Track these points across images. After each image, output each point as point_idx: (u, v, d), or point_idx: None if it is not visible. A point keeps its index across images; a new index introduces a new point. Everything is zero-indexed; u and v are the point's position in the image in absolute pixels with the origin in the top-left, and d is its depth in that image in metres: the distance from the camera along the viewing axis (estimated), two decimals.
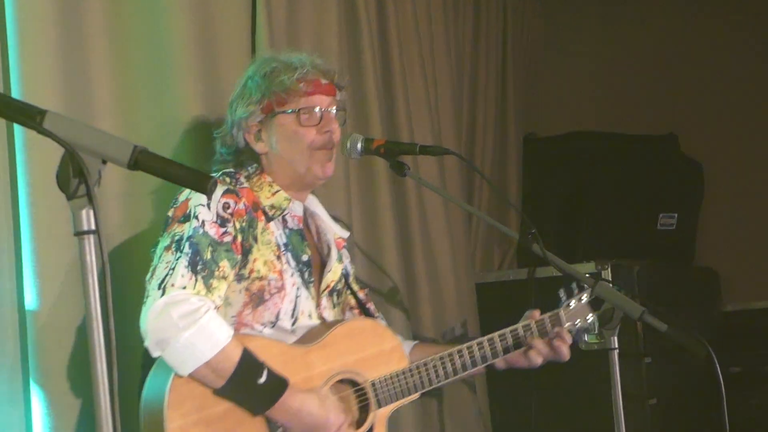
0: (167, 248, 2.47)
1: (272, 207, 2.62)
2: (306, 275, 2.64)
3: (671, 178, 4.67)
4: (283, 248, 2.61)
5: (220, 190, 2.53)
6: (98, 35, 2.83)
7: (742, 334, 4.59)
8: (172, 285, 2.38)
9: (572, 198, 4.52)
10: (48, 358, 2.62)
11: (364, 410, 2.63)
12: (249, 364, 2.38)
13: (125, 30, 2.91)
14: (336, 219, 2.90)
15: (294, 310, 2.58)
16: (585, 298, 2.84)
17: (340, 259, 2.78)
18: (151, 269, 2.47)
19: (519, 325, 2.80)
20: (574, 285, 2.86)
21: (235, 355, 2.36)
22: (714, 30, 4.91)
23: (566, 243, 4.28)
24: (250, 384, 2.37)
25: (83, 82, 2.79)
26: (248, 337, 2.50)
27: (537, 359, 2.79)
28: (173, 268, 2.41)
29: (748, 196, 4.85)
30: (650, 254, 4.36)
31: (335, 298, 2.75)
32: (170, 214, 2.54)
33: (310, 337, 2.59)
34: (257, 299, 2.54)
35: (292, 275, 2.60)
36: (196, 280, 2.41)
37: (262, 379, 2.38)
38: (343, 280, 2.80)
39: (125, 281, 2.64)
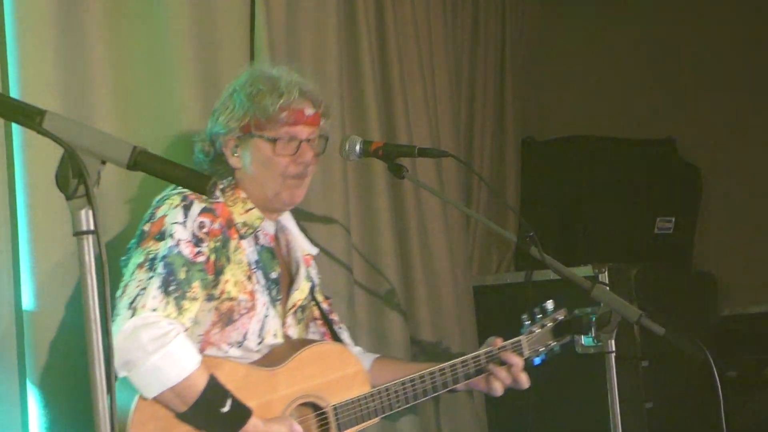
0: (140, 266, 2.44)
1: (245, 224, 2.61)
2: (274, 293, 2.64)
3: (669, 182, 4.68)
4: (254, 266, 2.60)
5: (198, 207, 2.51)
6: (98, 35, 2.83)
7: (740, 339, 4.59)
8: (143, 306, 2.36)
9: (570, 201, 4.53)
10: (45, 358, 2.62)
11: None
12: (214, 392, 2.37)
13: (124, 30, 2.91)
14: (305, 233, 2.87)
15: (261, 329, 2.58)
16: (549, 324, 2.90)
17: (308, 277, 2.78)
18: (121, 285, 2.43)
19: (481, 352, 2.83)
20: (537, 310, 2.92)
21: (201, 383, 2.35)
22: (713, 34, 4.91)
23: (564, 246, 4.29)
24: (214, 412, 2.37)
25: (82, 83, 2.79)
26: (215, 360, 2.48)
27: (497, 386, 2.82)
28: (145, 288, 2.39)
29: (746, 200, 4.84)
30: (648, 258, 4.37)
31: (300, 313, 2.75)
32: (146, 228, 2.50)
33: (274, 357, 2.59)
34: (226, 319, 2.53)
35: (262, 294, 2.60)
36: (167, 302, 2.39)
37: (226, 408, 2.37)
38: (309, 296, 2.80)
39: None
